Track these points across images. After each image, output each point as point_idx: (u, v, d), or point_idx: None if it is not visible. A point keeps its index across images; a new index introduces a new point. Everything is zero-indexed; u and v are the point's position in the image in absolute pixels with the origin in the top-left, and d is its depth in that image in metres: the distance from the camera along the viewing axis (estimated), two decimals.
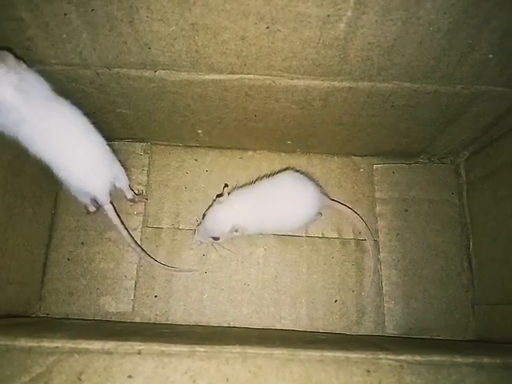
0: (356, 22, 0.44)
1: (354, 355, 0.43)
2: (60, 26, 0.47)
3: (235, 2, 0.43)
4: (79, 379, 0.41)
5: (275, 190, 0.67)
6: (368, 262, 0.69)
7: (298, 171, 0.72)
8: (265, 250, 0.71)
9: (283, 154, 0.75)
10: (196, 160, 0.75)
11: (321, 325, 0.67)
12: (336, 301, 0.68)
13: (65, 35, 0.48)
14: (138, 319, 0.67)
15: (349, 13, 0.43)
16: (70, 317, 0.67)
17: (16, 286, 0.61)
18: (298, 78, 0.53)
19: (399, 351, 0.43)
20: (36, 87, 0.53)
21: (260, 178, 0.71)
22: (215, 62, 0.51)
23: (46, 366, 0.41)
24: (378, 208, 0.72)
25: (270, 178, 0.70)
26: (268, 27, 0.45)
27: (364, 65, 0.50)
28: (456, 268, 0.69)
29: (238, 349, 0.43)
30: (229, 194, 0.67)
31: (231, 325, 0.67)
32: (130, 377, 0.41)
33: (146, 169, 0.74)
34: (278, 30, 0.46)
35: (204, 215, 0.68)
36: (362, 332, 0.66)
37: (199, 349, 0.42)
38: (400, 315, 0.67)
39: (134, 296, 0.68)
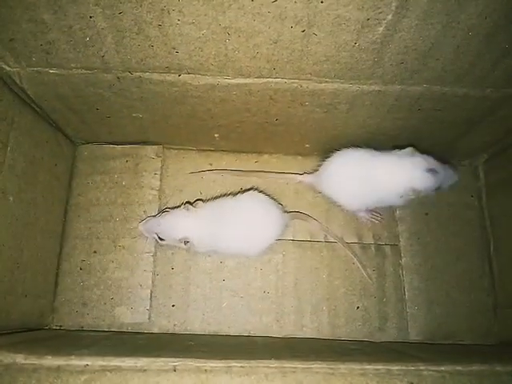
0: (395, 25, 0.43)
1: (395, 367, 0.42)
2: (84, 29, 0.45)
3: (272, 6, 0.41)
4: None
5: (236, 212, 0.65)
6: (389, 267, 0.69)
7: (260, 192, 0.69)
8: (283, 255, 0.69)
9: (300, 158, 0.73)
10: (211, 164, 0.73)
11: (343, 332, 0.66)
12: (358, 307, 0.67)
13: (88, 38, 0.46)
14: (155, 330, 0.65)
15: (389, 16, 0.42)
16: (84, 328, 0.65)
17: (31, 299, 0.59)
18: (326, 82, 0.52)
19: (439, 361, 0.42)
20: None
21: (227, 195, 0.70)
22: (244, 66, 0.49)
23: None
24: (398, 212, 0.71)
25: (233, 198, 0.68)
26: (304, 31, 0.44)
27: (397, 68, 0.49)
28: (477, 271, 0.68)
29: (275, 363, 0.41)
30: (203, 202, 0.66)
31: (252, 334, 0.65)
32: None
33: (159, 173, 0.72)
34: (314, 34, 0.44)
35: (163, 210, 0.66)
36: (385, 338, 0.65)
37: (235, 364, 0.41)
38: (423, 320, 0.66)
39: (150, 306, 0.66)
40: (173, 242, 0.64)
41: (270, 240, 0.66)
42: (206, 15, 0.42)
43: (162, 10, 0.42)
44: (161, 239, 0.65)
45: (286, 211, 0.69)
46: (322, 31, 0.44)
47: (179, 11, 0.42)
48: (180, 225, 0.63)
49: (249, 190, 0.70)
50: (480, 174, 0.73)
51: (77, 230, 0.68)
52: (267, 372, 0.41)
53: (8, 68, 0.51)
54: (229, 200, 0.67)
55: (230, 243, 0.64)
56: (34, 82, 0.53)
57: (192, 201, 0.68)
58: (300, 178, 0.70)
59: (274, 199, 0.69)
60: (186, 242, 0.63)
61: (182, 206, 0.65)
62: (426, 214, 0.70)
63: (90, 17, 0.43)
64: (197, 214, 0.64)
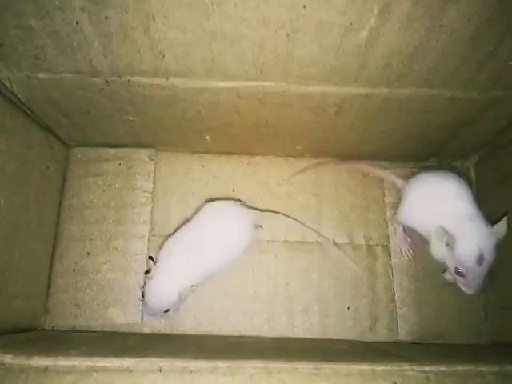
0: (379, 29, 0.43)
1: (379, 368, 0.42)
2: (71, 35, 0.45)
3: (256, 10, 0.41)
4: None
5: (203, 230, 0.64)
6: (380, 267, 0.69)
7: (215, 200, 0.69)
8: (275, 257, 0.70)
9: (291, 159, 0.74)
10: (203, 166, 0.73)
11: (334, 332, 0.66)
12: (349, 308, 0.67)
13: (75, 43, 0.46)
14: (147, 330, 0.66)
15: (372, 21, 0.42)
16: (77, 329, 0.65)
17: (22, 300, 0.59)
18: (313, 85, 0.52)
19: (424, 361, 0.43)
20: None
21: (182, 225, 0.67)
22: (230, 69, 0.50)
23: None
24: (388, 213, 0.71)
25: (191, 222, 0.66)
26: (288, 35, 0.44)
27: (383, 72, 0.49)
28: None
29: (260, 363, 0.42)
30: (155, 263, 0.64)
31: (243, 334, 0.66)
32: None
33: (152, 176, 0.72)
34: (298, 38, 0.45)
35: (143, 293, 0.64)
36: (375, 339, 0.66)
37: (221, 364, 0.41)
38: (413, 321, 0.67)
39: (143, 307, 0.66)
40: (176, 304, 0.62)
41: (247, 242, 0.66)
42: (190, 20, 0.43)
43: (147, 15, 0.42)
44: (167, 311, 0.62)
45: (258, 210, 0.69)
46: (305, 35, 0.44)
47: (164, 16, 0.43)
48: (166, 291, 0.61)
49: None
50: (471, 175, 0.73)
51: (70, 231, 0.69)
52: (252, 372, 0.41)
53: None
54: (191, 227, 0.65)
55: (212, 263, 0.63)
56: (25, 86, 0.53)
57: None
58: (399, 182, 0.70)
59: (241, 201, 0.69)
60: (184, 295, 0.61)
61: (146, 280, 0.63)
62: None
63: (77, 22, 0.44)
64: (164, 269, 0.62)
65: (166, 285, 0.61)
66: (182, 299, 0.62)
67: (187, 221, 0.67)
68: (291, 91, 0.54)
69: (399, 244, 0.69)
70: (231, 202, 0.67)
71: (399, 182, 0.70)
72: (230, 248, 0.65)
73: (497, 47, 0.46)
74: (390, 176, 0.71)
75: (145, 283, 0.64)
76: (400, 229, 0.69)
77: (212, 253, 0.63)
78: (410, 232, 0.69)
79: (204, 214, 0.66)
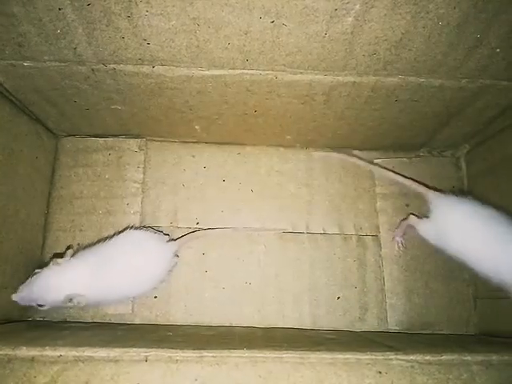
0: (364, 15, 0.43)
1: (364, 357, 0.42)
2: (54, 22, 0.45)
3: None
4: None
5: (118, 255, 0.62)
6: (370, 257, 0.69)
7: (142, 227, 0.68)
8: (265, 247, 0.70)
9: (282, 149, 0.74)
10: (193, 156, 0.73)
11: (324, 322, 0.66)
12: (339, 297, 0.67)
13: (59, 31, 0.46)
14: (137, 320, 0.66)
15: (357, 6, 0.42)
16: (68, 320, 0.65)
17: (11, 291, 0.59)
18: (301, 73, 0.52)
19: (409, 350, 0.43)
20: None
21: (106, 238, 0.65)
22: (216, 57, 0.49)
23: (50, 376, 0.40)
24: (378, 203, 0.71)
25: (113, 238, 0.64)
26: (273, 21, 0.44)
27: (370, 59, 0.49)
28: (457, 262, 0.68)
29: (246, 353, 0.42)
30: (72, 256, 0.61)
31: (233, 324, 0.66)
32: None
33: (142, 166, 0.72)
34: (283, 25, 0.44)
35: (34, 273, 0.59)
36: (365, 328, 0.66)
37: (207, 354, 0.42)
38: (402, 311, 0.67)
39: (133, 297, 0.66)
40: (56, 304, 0.59)
41: (160, 276, 0.64)
42: (173, 6, 0.42)
43: (130, 1, 0.42)
44: (41, 306, 0.58)
45: (170, 240, 0.67)
46: (291, 22, 0.44)
47: (147, 2, 0.42)
48: (57, 283, 0.58)
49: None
50: (462, 165, 0.73)
51: (60, 222, 0.69)
52: (238, 362, 0.41)
53: None
54: (108, 243, 0.63)
55: (118, 286, 0.62)
56: (10, 74, 0.53)
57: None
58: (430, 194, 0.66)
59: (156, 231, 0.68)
60: (70, 300, 0.58)
61: (52, 262, 0.60)
62: (407, 205, 0.71)
63: (59, 9, 0.43)
64: (72, 263, 0.60)
65: (63, 280, 0.58)
66: (64, 303, 0.58)
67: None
68: (279, 79, 0.53)
69: (396, 236, 0.69)
70: (156, 234, 0.66)
71: (429, 194, 0.66)
72: (139, 277, 0.63)
73: (484, 34, 0.45)
74: (419, 187, 0.68)
75: (53, 260, 0.60)
76: (404, 226, 0.68)
77: (117, 277, 0.61)
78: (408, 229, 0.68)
79: (126, 237, 0.65)
